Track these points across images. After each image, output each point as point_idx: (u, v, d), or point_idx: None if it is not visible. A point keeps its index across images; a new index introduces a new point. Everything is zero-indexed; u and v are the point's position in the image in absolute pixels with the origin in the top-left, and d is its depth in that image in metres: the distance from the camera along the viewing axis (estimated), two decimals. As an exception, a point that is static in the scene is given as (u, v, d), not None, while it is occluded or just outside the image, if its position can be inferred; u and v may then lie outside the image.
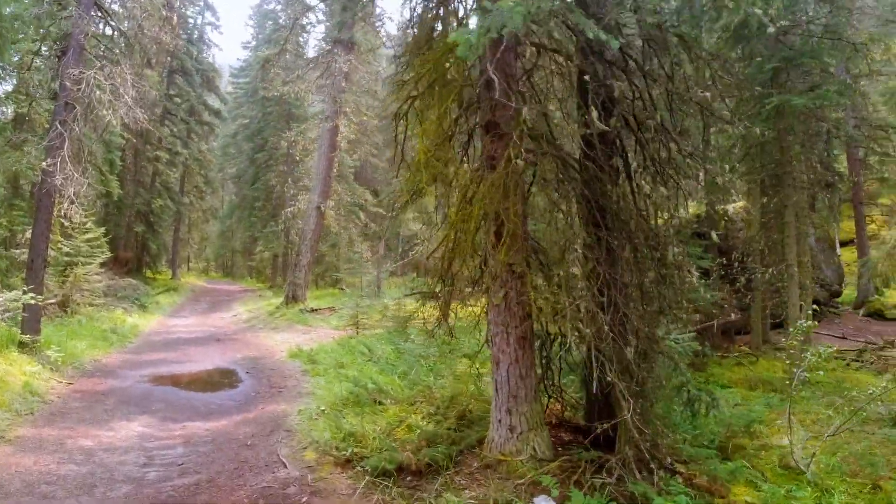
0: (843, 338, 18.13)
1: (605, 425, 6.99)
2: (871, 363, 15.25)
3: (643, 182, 7.53)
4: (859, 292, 23.29)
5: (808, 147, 16.23)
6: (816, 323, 14.70)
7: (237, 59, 54.29)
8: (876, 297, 23.29)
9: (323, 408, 10.02)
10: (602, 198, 6.98)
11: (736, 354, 16.02)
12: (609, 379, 6.66)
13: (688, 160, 7.65)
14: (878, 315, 21.95)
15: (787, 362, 10.39)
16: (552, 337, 8.43)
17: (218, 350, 17.29)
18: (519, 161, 6.52)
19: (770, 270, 15.87)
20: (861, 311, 22.37)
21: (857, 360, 15.59)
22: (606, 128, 6.54)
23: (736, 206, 21.19)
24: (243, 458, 8.02)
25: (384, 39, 29.32)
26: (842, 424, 8.36)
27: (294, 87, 27.27)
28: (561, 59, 8.26)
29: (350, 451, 7.70)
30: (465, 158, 8.26)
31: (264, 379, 13.43)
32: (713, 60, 7.70)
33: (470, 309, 10.27)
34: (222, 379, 13.60)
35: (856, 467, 7.83)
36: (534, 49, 8.12)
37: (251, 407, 10.83)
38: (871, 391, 8.34)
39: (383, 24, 44.65)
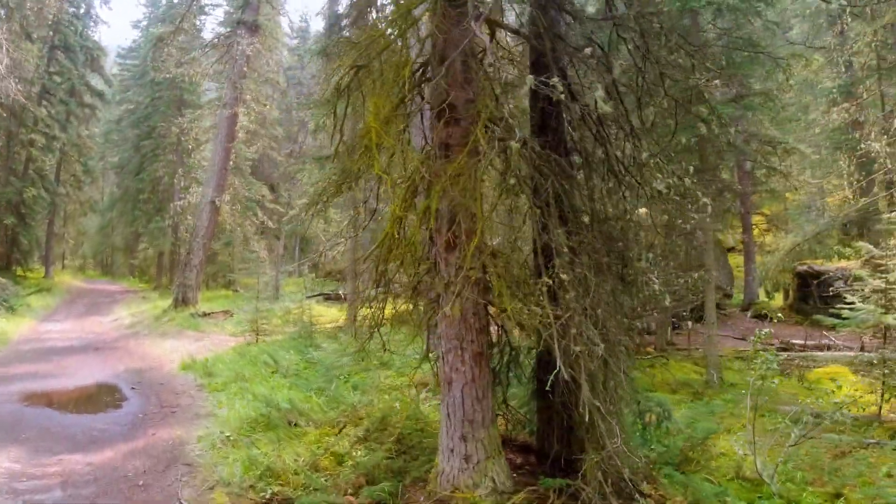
0: (742, 339, 18.60)
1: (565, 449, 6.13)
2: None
3: (604, 181, 6.69)
4: (746, 295, 24.38)
5: (722, 157, 16.43)
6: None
7: (126, 40, 50.43)
8: (761, 300, 24.62)
9: (228, 433, 8.67)
10: (569, 198, 6.07)
11: (648, 356, 15.84)
12: (580, 395, 5.76)
13: (655, 160, 6.86)
14: (765, 317, 22.73)
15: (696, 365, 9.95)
16: (504, 349, 7.48)
17: (98, 361, 15.39)
18: (488, 150, 5.49)
19: (692, 274, 15.74)
20: (749, 313, 23.18)
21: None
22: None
23: (641, 210, 21.49)
24: (136, 503, 6.60)
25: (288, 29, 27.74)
26: (804, 434, 7.85)
27: (189, 70, 25.33)
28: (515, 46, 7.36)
29: (270, 491, 6.48)
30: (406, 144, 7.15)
31: (153, 396, 11.82)
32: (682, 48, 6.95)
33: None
34: (104, 396, 11.88)
35: (812, 476, 7.49)
36: (487, 26, 7.13)
37: (140, 433, 9.29)
38: (838, 401, 7.98)
39: (286, 12, 42.78)
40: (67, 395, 11.78)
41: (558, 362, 5.09)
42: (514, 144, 5.27)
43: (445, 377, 6.41)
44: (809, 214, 29.09)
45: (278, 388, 11.40)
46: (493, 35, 7.08)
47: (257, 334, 17.78)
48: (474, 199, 6.05)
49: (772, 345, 17.78)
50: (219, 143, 23.79)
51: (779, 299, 25.51)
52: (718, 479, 7.30)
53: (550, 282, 5.33)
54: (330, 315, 23.82)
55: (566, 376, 5.15)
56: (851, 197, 26.36)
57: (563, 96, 5.59)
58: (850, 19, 20.67)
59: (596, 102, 6.76)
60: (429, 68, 6.61)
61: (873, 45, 20.06)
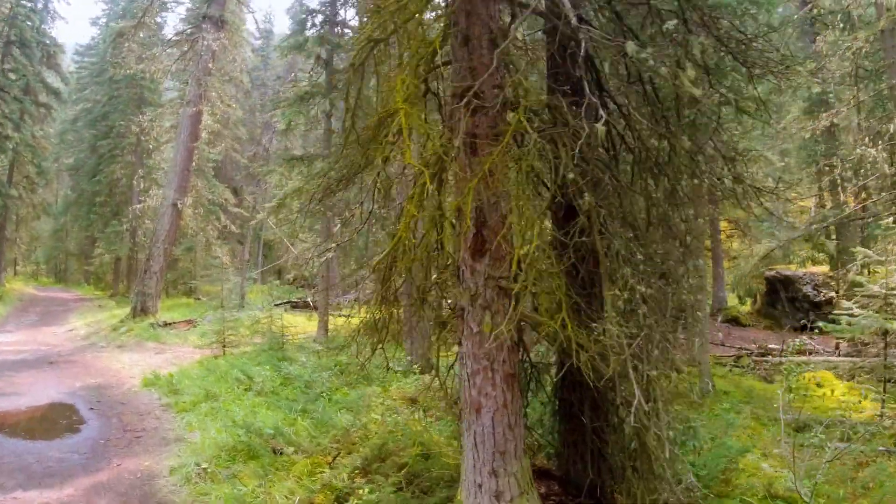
0: (722, 344, 18.54)
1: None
2: (752, 369, 15.82)
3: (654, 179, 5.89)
4: (715, 300, 24.26)
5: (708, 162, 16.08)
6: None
7: (84, 37, 48.45)
8: (730, 304, 25.08)
9: (204, 464, 7.63)
10: (621, 197, 5.26)
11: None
12: (625, 417, 4.99)
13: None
14: (735, 322, 23.23)
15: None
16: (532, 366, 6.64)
17: (52, 376, 14.10)
18: (533, 144, 4.64)
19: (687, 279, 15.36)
20: (719, 318, 23.27)
21: (737, 366, 16.17)
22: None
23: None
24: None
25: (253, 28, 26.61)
26: (843, 450, 7.18)
27: (150, 66, 23.99)
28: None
29: (262, 541, 5.48)
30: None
31: (114, 417, 10.68)
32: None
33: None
34: (61, 418, 10.67)
35: (845, 490, 6.93)
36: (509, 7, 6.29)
37: (103, 463, 8.18)
38: (879, 414, 7.38)
39: (253, 10, 41.57)
40: (19, 416, 10.56)
41: (636, 389, 4.21)
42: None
43: (472, 402, 5.50)
44: (771, 220, 29.07)
45: (255, 409, 10.38)
46: (513, 17, 6.24)
47: (224, 346, 16.64)
48: (504, 199, 5.21)
49: (749, 351, 17.62)
50: (181, 143, 22.53)
51: (747, 304, 25.80)
52: (751, 500, 6.71)
53: (625, 295, 4.47)
54: (299, 324, 22.70)
55: (644, 405, 4.28)
56: (824, 204, 26.35)
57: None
58: (830, 27, 20.41)
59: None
60: (450, 49, 5.73)
61: (855, 52, 19.88)
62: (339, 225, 15.39)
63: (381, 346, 6.60)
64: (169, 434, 9.60)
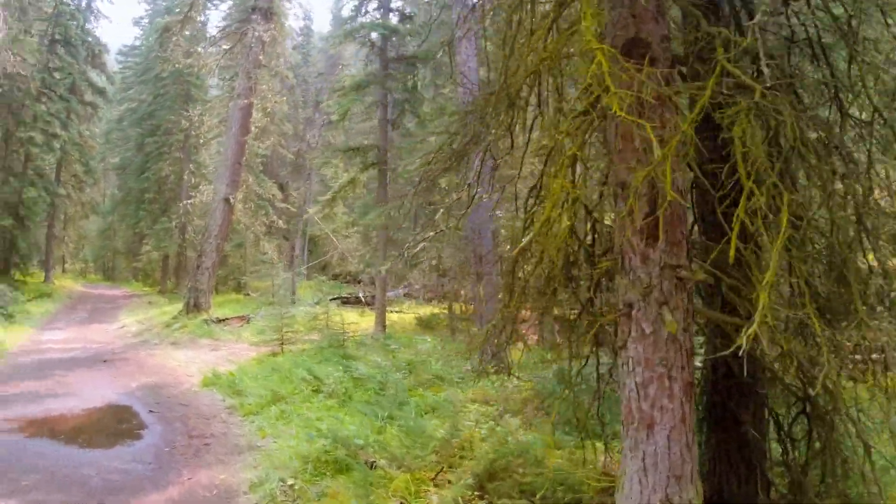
0: None
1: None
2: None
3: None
4: None
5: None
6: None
7: (127, 38, 48.23)
8: None
9: (289, 479, 6.58)
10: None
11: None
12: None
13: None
14: None
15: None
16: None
17: (106, 375, 13.28)
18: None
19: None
20: None
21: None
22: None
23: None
24: None
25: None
26: None
27: (198, 61, 23.18)
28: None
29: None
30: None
31: (177, 421, 9.74)
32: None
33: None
34: (119, 423, 9.77)
35: None
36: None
37: (171, 475, 7.19)
38: None
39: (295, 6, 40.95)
40: (75, 420, 9.67)
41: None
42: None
43: (643, 417, 4.34)
44: None
45: (329, 412, 9.37)
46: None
47: (282, 343, 15.71)
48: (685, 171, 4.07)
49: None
50: (231, 137, 21.70)
51: None
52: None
53: None
54: (354, 321, 21.75)
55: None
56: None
57: None
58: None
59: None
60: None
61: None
62: (440, 210, 14.29)
63: (507, 345, 5.37)
64: (240, 441, 8.61)
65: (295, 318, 16.95)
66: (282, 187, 35.19)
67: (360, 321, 22.02)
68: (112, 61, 45.16)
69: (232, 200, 21.20)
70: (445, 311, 25.28)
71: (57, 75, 32.62)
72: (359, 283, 36.21)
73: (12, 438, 8.49)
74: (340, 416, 8.93)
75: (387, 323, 20.19)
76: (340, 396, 10.12)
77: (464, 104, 13.77)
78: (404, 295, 27.72)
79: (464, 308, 22.04)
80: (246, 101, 21.61)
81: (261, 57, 21.86)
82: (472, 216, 13.60)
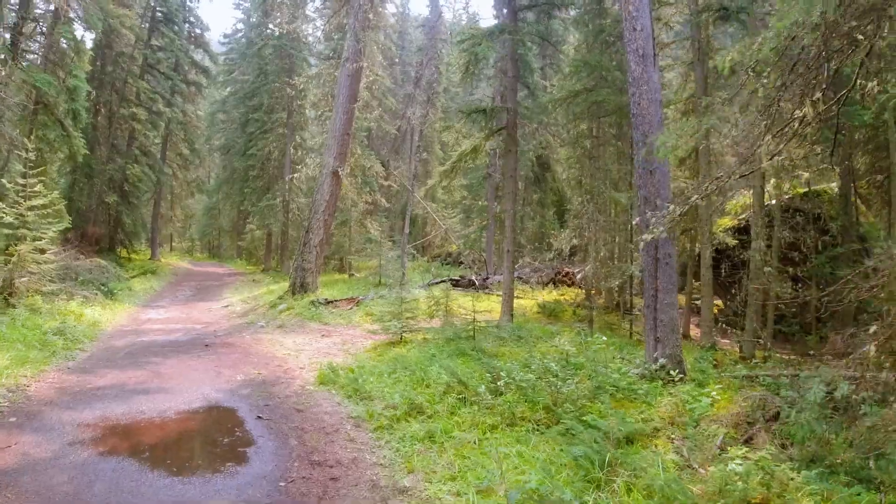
0: None
1: None
2: None
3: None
4: None
5: None
6: None
7: (230, 28, 47.00)
8: None
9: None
10: None
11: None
12: None
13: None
14: None
15: None
16: None
17: (208, 365, 11.07)
18: None
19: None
20: None
21: None
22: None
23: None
24: None
25: None
26: None
27: (303, 25, 20.95)
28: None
29: None
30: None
31: (292, 436, 7.30)
32: None
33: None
34: (220, 433, 7.38)
35: None
36: None
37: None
38: None
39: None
40: (166, 429, 7.38)
41: None
42: None
43: None
44: None
45: (493, 437, 6.71)
46: None
47: (403, 331, 13.23)
48: None
49: None
50: (339, 105, 19.31)
51: None
52: None
53: None
54: (470, 306, 19.13)
55: None
56: None
57: None
58: None
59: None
60: None
61: None
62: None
63: None
64: (378, 475, 6.06)
65: (417, 302, 14.40)
66: (384, 165, 32.95)
67: (477, 306, 19.40)
68: (216, 44, 44.05)
69: (341, 173, 18.85)
70: (566, 298, 22.38)
71: (160, 54, 31.32)
72: (460, 264, 33.75)
73: (82, 456, 6.25)
74: (516, 446, 6.23)
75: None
76: (500, 412, 7.41)
77: (636, 54, 10.88)
78: (517, 277, 24.88)
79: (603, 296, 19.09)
80: (355, 64, 19.17)
81: (371, 16, 19.34)
82: (644, 185, 10.70)
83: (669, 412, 7.71)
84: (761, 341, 14.10)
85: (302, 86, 24.16)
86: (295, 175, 23.16)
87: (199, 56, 35.81)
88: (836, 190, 16.77)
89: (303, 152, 27.92)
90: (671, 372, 9.57)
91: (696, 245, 18.50)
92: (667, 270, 10.85)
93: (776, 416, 7.38)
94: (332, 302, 17.80)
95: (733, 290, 21.05)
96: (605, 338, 12.31)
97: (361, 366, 10.75)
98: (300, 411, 8.35)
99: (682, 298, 20.33)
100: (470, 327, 12.67)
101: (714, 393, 8.38)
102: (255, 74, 33.30)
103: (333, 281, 24.20)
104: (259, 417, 7.97)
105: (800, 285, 15.91)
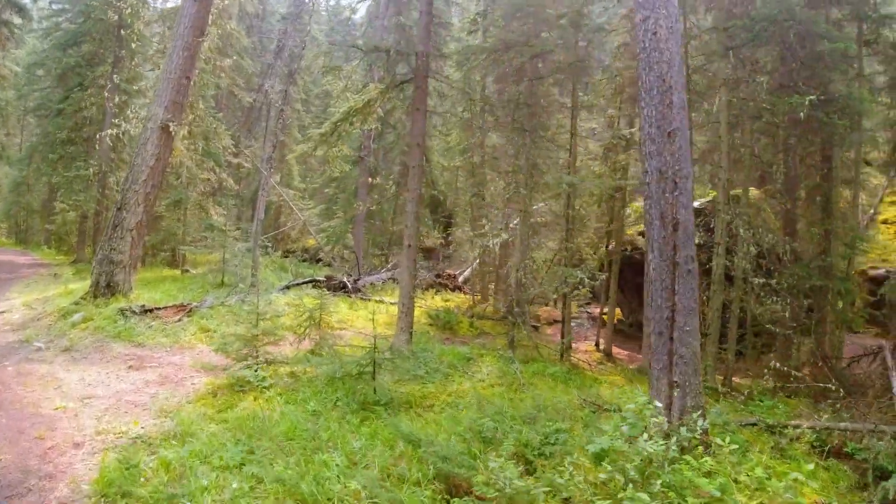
0: None
1: None
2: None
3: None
4: None
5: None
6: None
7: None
8: None
9: None
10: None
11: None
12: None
13: None
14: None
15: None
16: None
17: None
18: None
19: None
20: None
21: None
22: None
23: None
24: None
25: None
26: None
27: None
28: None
29: None
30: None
31: None
32: None
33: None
34: None
35: None
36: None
37: None
38: None
39: None
40: None
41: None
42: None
43: None
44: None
45: None
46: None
47: (258, 364, 8.33)
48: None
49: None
50: (180, 37, 13.77)
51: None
52: None
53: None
54: (347, 316, 14.35)
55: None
56: None
57: None
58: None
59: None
60: None
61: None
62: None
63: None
64: None
65: (277, 319, 9.44)
66: (234, 140, 27.06)
67: (352, 317, 14.67)
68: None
69: (173, 129, 13.29)
70: (454, 305, 18.16)
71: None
72: (318, 261, 28.68)
73: None
74: None
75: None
76: None
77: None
78: (391, 279, 20.36)
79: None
80: (202, -14, 13.74)
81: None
82: (658, 152, 6.72)
83: None
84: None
85: (130, 9, 17.84)
86: (111, 132, 16.84)
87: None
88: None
89: (131, 94, 21.33)
90: (698, 434, 5.64)
91: (612, 243, 15.19)
92: (689, 281, 6.98)
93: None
94: (151, 310, 12.31)
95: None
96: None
97: (187, 437, 5.90)
98: None
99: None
100: (365, 359, 7.95)
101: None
102: (82, 19, 25.93)
103: (159, 279, 18.22)
104: None
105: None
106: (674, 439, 5.31)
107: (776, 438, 7.53)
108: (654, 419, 5.50)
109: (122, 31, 19.75)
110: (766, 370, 10.10)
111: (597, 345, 15.44)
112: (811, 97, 9.71)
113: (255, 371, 8.07)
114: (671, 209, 7.00)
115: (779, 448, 7.20)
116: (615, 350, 14.73)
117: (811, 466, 5.74)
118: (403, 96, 12.52)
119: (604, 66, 15.40)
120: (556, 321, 19.57)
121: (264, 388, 7.73)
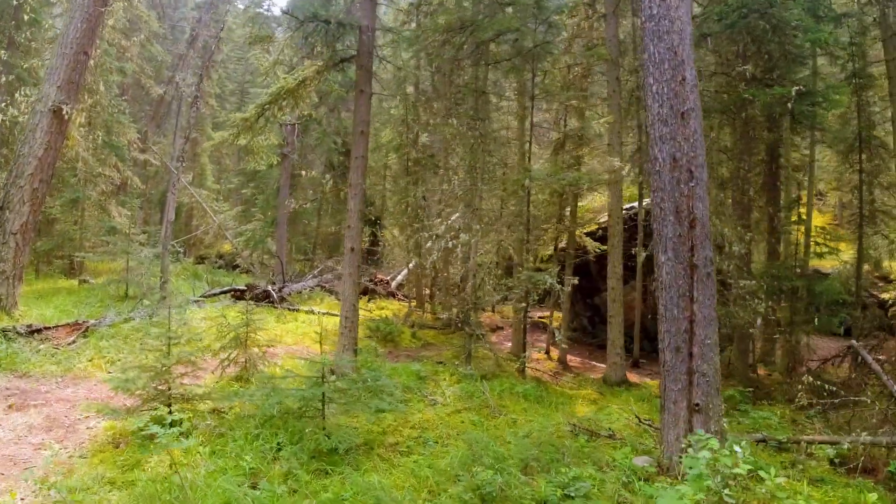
0: None
1: None
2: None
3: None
4: None
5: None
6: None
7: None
8: None
9: None
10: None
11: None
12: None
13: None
14: None
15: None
16: None
17: None
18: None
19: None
20: None
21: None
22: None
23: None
24: None
25: None
26: None
27: None
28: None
29: None
30: None
31: None
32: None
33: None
34: None
35: None
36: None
37: None
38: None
39: None
40: None
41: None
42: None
43: None
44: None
45: None
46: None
47: (171, 401, 6.58)
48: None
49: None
50: (78, 9, 11.62)
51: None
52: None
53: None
54: (275, 331, 12.56)
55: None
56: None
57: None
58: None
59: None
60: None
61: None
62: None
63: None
64: None
65: (195, 343, 7.66)
66: (140, 135, 24.51)
67: (281, 332, 12.91)
68: None
69: (66, 113, 11.17)
70: (390, 313, 16.60)
71: None
72: (235, 268, 26.44)
73: None
74: None
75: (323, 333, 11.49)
76: None
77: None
78: (319, 286, 18.62)
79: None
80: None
81: None
82: (671, 136, 5.52)
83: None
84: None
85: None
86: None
87: None
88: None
89: (23, 72, 18.47)
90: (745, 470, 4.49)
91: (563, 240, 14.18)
92: (708, 287, 5.83)
93: None
94: (41, 330, 10.18)
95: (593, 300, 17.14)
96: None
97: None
98: None
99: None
100: (309, 392, 6.35)
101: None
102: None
103: (52, 291, 15.74)
104: None
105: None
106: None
107: (792, 455, 6.73)
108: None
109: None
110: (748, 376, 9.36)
111: (547, 352, 14.39)
112: (797, 87, 9.00)
113: (170, 412, 6.35)
114: (687, 202, 5.82)
115: (798, 467, 6.29)
116: (568, 357, 13.65)
117: (874, 496, 4.55)
118: (343, 78, 10.95)
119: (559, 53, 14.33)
120: (498, 327, 18.47)
121: (182, 434, 6.05)
